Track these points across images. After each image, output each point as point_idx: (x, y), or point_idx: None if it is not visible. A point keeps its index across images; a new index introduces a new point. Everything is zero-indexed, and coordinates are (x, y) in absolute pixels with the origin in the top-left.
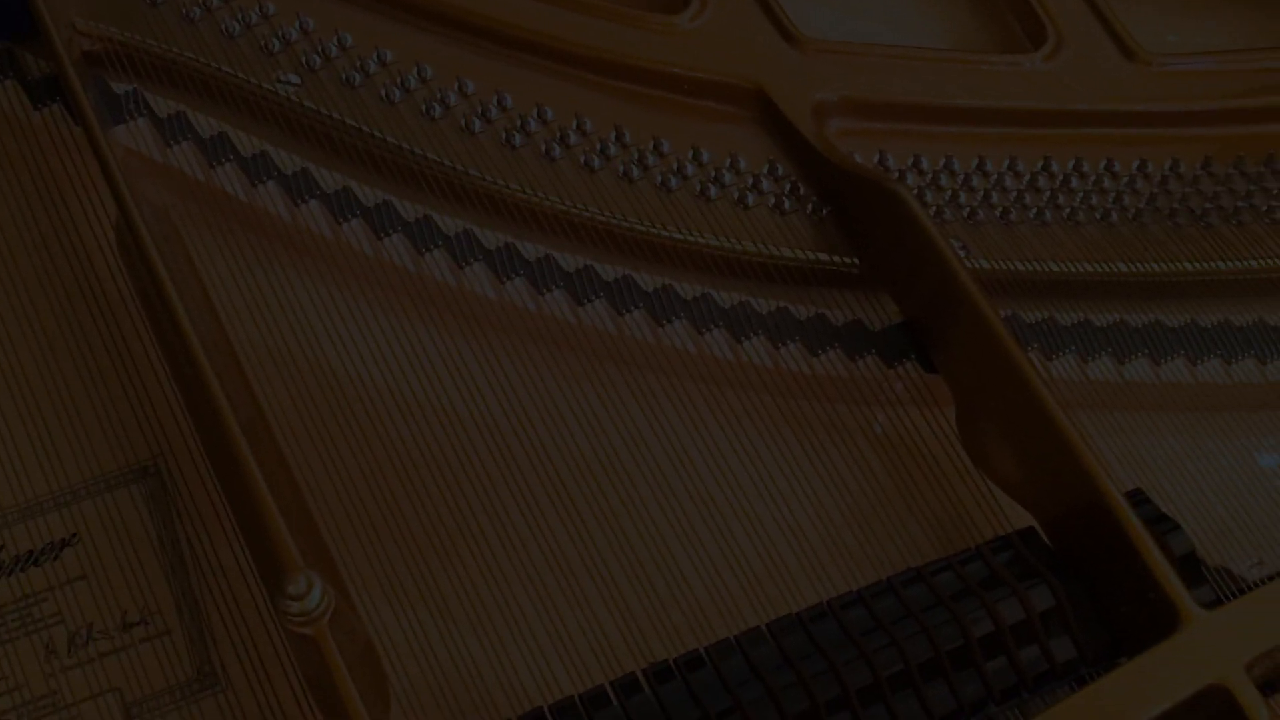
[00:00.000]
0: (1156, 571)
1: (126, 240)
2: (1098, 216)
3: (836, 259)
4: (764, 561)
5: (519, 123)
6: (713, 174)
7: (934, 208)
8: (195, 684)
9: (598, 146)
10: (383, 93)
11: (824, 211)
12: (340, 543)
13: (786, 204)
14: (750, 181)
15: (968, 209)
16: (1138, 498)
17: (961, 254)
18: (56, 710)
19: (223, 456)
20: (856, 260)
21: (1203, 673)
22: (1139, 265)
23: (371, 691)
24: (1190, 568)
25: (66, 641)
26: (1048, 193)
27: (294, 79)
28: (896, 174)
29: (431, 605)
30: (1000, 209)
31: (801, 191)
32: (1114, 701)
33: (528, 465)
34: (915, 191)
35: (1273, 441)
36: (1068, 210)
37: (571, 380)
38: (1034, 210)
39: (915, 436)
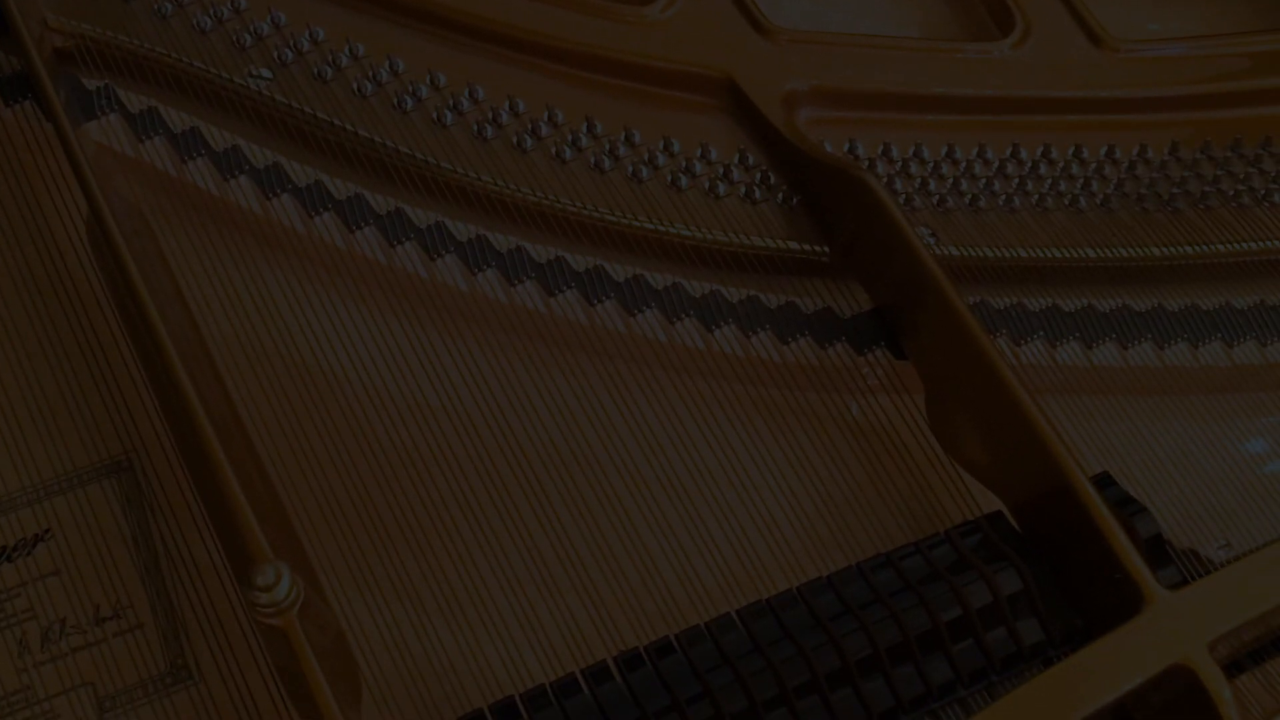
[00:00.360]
0: (1120, 553)
1: (97, 236)
2: (1066, 203)
3: (807, 247)
4: (735, 549)
5: (490, 115)
6: (684, 164)
7: (904, 195)
8: (168, 677)
9: (569, 138)
10: (355, 86)
11: (794, 200)
12: (313, 535)
13: (757, 193)
14: (721, 171)
15: (937, 196)
16: (1104, 481)
17: (931, 241)
18: (29, 705)
19: (193, 449)
20: (826, 248)
21: (1166, 652)
22: (1107, 251)
23: (342, 682)
24: (1157, 550)
25: (40, 637)
26: (1016, 179)
27: (266, 73)
28: (866, 162)
29: (404, 596)
30: (969, 196)
31: (772, 181)
32: (1079, 681)
33: (500, 456)
34: (885, 180)
35: (1241, 424)
36: (1036, 197)
37: (543, 371)
38: (1003, 197)
39: (886, 423)
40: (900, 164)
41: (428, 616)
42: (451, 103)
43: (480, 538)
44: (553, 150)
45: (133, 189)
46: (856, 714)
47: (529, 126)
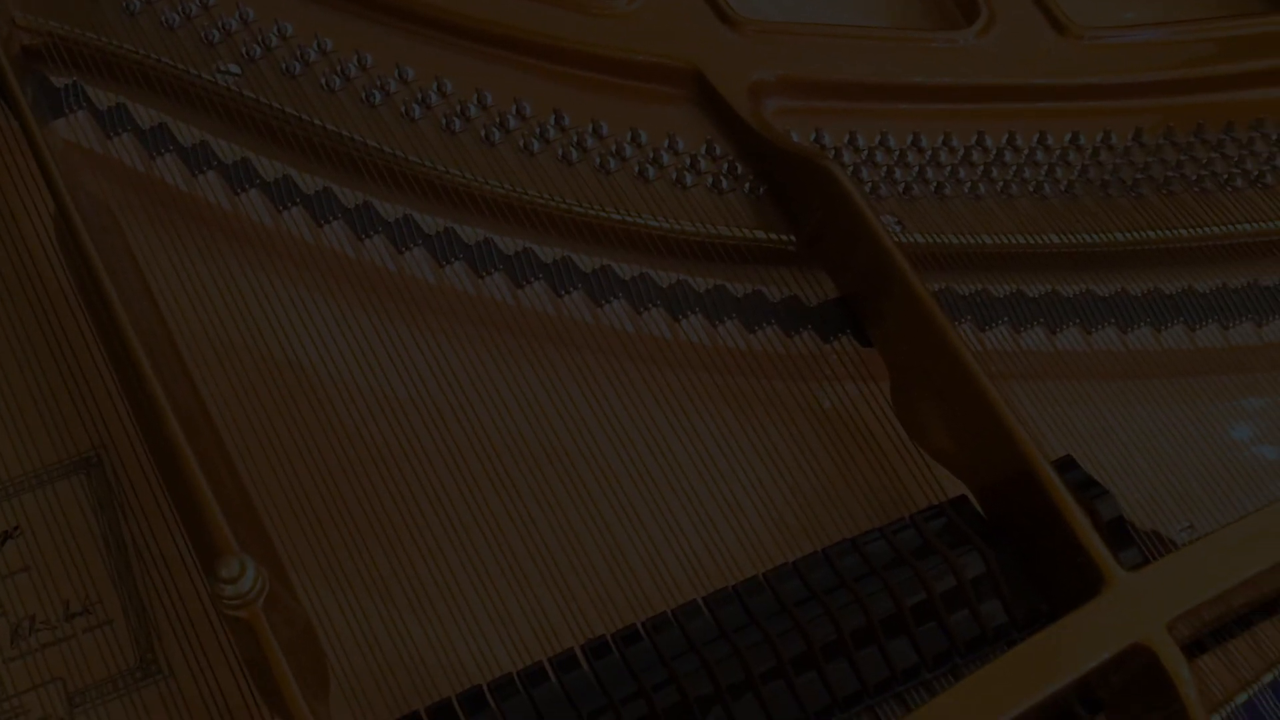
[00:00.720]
0: (1080, 535)
1: (64, 233)
2: (1031, 189)
3: (774, 236)
4: (703, 539)
5: (459, 108)
6: (651, 155)
7: (870, 184)
8: (138, 672)
9: (537, 130)
10: (323, 81)
11: (761, 190)
12: (282, 529)
13: (724, 183)
14: (688, 162)
15: (903, 184)
16: (1067, 464)
17: (897, 229)
18: None
19: (160, 445)
20: (793, 238)
21: (1125, 632)
22: (1071, 236)
23: (310, 674)
24: (1119, 532)
25: (9, 633)
26: (981, 167)
27: (234, 69)
28: (832, 152)
29: (373, 590)
30: (935, 184)
31: (739, 171)
32: (1039, 662)
33: (468, 448)
34: (851, 169)
35: (1204, 407)
36: (1001, 184)
37: (511, 363)
38: (968, 184)
39: (852, 410)
40: (866, 153)
41: (397, 610)
42: (420, 96)
43: (449, 531)
44: (520, 143)
45: (101, 185)
46: (822, 698)
47: (497, 119)
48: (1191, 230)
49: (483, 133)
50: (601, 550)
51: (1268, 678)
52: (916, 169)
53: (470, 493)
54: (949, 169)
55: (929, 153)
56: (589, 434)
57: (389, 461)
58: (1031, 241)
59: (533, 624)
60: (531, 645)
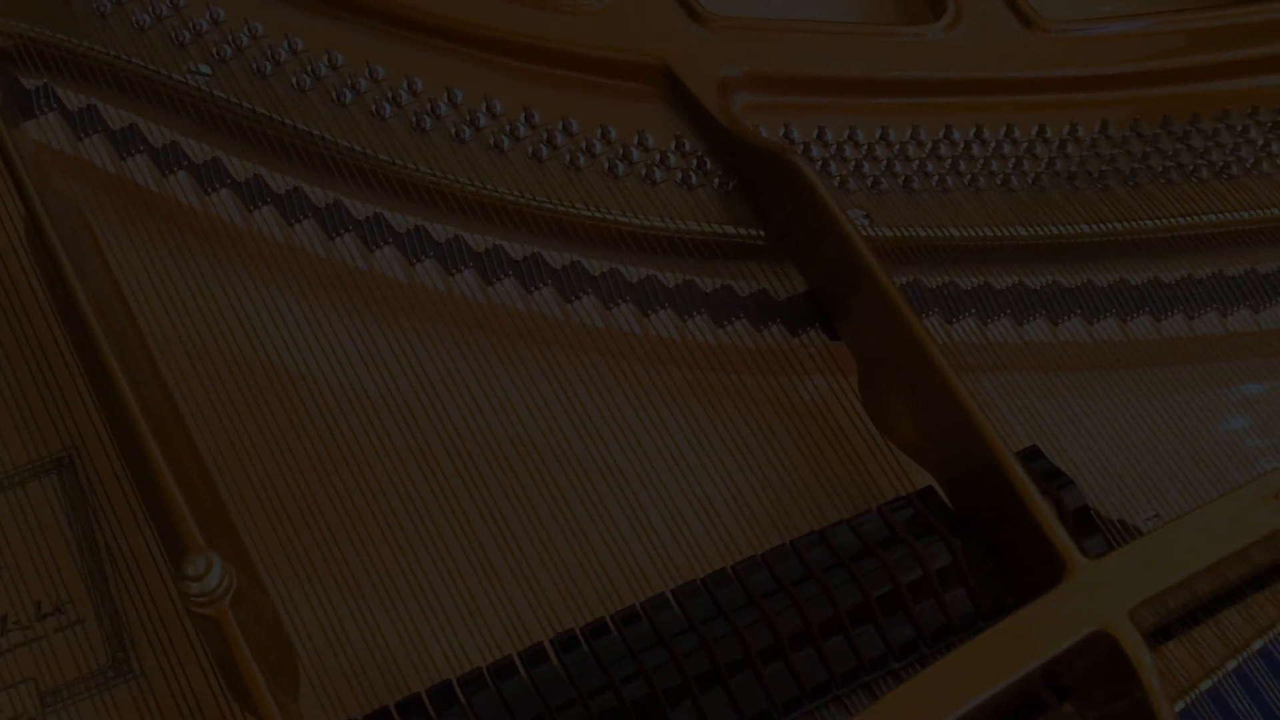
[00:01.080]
0: (1042, 524)
1: (34, 235)
2: (998, 182)
3: (743, 231)
4: (673, 533)
5: (429, 107)
6: (621, 151)
7: (838, 178)
8: (110, 672)
9: (507, 127)
10: (294, 81)
11: (730, 185)
12: (254, 528)
13: (694, 179)
14: (658, 158)
15: (871, 178)
16: (1032, 454)
17: (865, 223)
18: None
19: (128, 443)
20: (762, 232)
21: (1087, 619)
22: (1038, 228)
23: (280, 671)
24: (1084, 521)
25: None
26: (949, 160)
27: (205, 69)
28: (801, 147)
29: (344, 587)
30: (903, 178)
31: (708, 166)
32: (1002, 649)
33: (439, 445)
34: (819, 163)
35: (1169, 397)
36: (969, 177)
37: (481, 360)
38: (936, 178)
39: (821, 403)
40: (835, 147)
41: (368, 606)
42: (390, 95)
43: (420, 527)
44: (491, 140)
45: (72, 187)
46: (790, 689)
47: (467, 117)
48: (1157, 222)
49: (453, 130)
50: (571, 545)
51: (1232, 664)
52: (885, 163)
53: (440, 489)
54: (917, 163)
55: (897, 147)
56: (559, 429)
57: (360, 459)
58: (999, 234)
59: (503, 619)
60: (502, 640)
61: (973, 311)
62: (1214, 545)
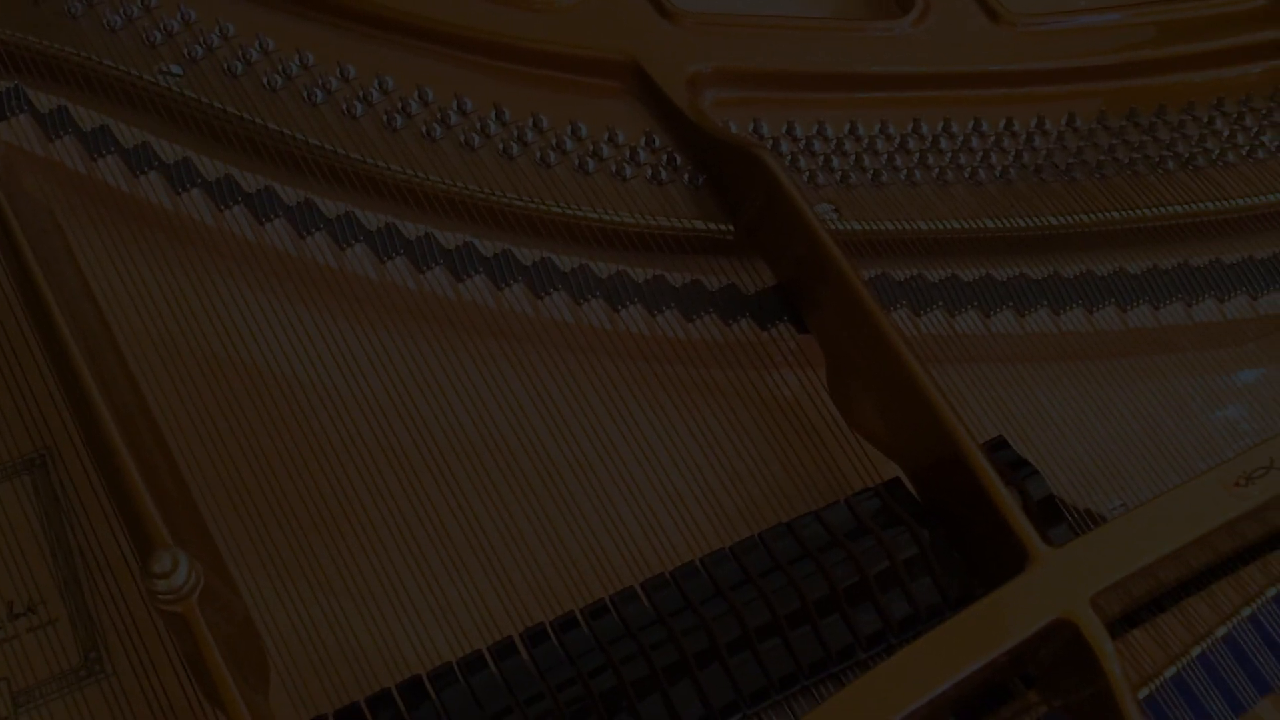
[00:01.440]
0: (1005, 513)
1: (1, 236)
2: (966, 175)
3: (712, 226)
4: (643, 527)
5: (400, 105)
6: (591, 148)
7: (808, 173)
8: (81, 671)
9: (478, 125)
10: (264, 81)
11: (699, 180)
12: (224, 525)
13: (663, 174)
14: (628, 154)
15: (840, 173)
16: (998, 445)
17: (834, 217)
18: None
19: (97, 442)
20: (731, 227)
21: (1049, 606)
22: (1005, 221)
23: (249, 668)
24: (1050, 510)
25: None
26: (918, 154)
27: (176, 70)
28: (770, 142)
29: (315, 583)
30: (872, 172)
31: (678, 162)
32: (965, 637)
33: (409, 441)
34: (789, 158)
35: (1136, 387)
36: (937, 170)
37: (452, 356)
38: (904, 171)
39: (790, 397)
40: (804, 142)
41: (338, 602)
42: (361, 94)
43: (391, 523)
44: (461, 138)
45: (43, 188)
46: (758, 680)
47: (438, 115)
48: (1123, 213)
49: (424, 129)
50: (542, 540)
51: (1196, 651)
52: (854, 157)
53: (411, 485)
54: (885, 157)
55: (866, 141)
56: (529, 425)
57: (331, 456)
58: (966, 227)
59: (473, 614)
60: (471, 635)
61: (940, 304)
62: (1175, 532)
